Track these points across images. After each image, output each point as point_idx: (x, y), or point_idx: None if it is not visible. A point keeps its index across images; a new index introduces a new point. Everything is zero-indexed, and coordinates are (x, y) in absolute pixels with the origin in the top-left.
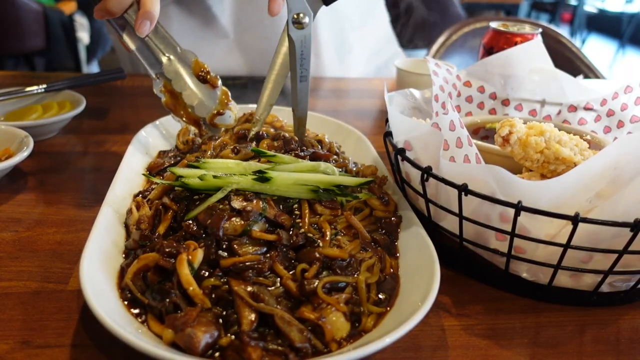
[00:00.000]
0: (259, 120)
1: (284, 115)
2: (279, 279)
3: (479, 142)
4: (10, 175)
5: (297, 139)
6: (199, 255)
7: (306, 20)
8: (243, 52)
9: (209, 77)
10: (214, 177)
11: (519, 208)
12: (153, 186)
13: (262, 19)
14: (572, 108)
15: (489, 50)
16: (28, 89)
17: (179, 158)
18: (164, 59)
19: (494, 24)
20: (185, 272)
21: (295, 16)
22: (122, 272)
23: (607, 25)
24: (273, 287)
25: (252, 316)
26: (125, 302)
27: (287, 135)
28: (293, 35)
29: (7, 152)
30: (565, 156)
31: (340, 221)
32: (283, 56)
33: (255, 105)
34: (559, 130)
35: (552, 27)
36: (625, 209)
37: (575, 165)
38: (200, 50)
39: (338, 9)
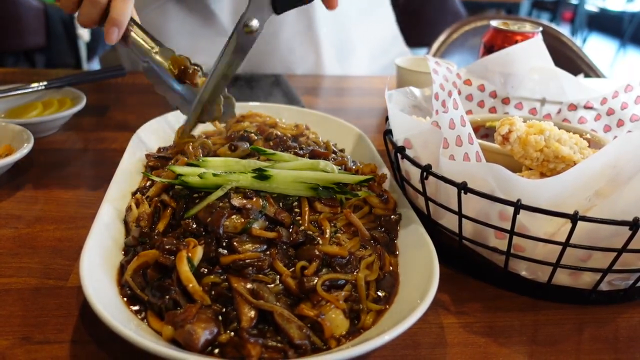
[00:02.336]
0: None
1: (279, 113)
2: (278, 276)
3: (479, 141)
4: (10, 172)
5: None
6: (199, 252)
7: (256, 26)
8: None
9: (188, 74)
10: (214, 175)
11: (518, 206)
12: (149, 182)
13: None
14: (572, 107)
15: (490, 49)
16: (28, 86)
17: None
18: (143, 64)
19: (494, 23)
20: (185, 269)
21: (247, 21)
22: (122, 269)
23: (608, 24)
24: (273, 285)
25: (252, 313)
26: (125, 299)
27: (279, 133)
28: (238, 39)
29: (7, 149)
30: (565, 155)
31: (339, 219)
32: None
33: (252, 103)
34: (559, 128)
35: (553, 25)
36: (625, 207)
37: (575, 164)
38: (199, 48)
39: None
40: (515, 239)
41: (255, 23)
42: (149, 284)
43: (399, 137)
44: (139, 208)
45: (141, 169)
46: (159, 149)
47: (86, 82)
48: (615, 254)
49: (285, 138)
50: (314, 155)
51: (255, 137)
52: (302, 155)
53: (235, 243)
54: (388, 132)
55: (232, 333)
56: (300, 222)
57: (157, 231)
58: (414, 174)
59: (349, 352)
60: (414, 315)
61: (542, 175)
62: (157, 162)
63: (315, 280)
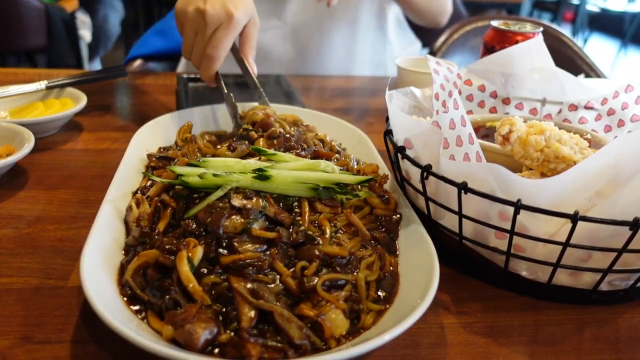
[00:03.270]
0: None
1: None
2: (278, 276)
3: (479, 141)
4: (11, 172)
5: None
6: (199, 252)
7: None
8: (291, 45)
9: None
10: (214, 175)
11: (518, 206)
12: (150, 182)
13: (320, 19)
14: (573, 107)
15: (490, 49)
16: (29, 86)
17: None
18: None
19: (495, 23)
20: (185, 269)
21: None
22: (122, 268)
23: (609, 24)
24: (273, 285)
25: (252, 313)
26: (125, 299)
27: (282, 131)
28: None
29: (8, 149)
30: (565, 155)
31: (340, 219)
32: None
33: (253, 104)
34: (559, 129)
35: (554, 26)
36: (625, 207)
37: (575, 164)
38: (264, 33)
39: (388, 40)
40: (516, 239)
41: None
42: (149, 284)
43: (399, 137)
44: (139, 208)
45: (142, 169)
46: (160, 149)
47: (87, 82)
48: (615, 254)
49: (288, 136)
50: (316, 156)
51: (256, 135)
52: (304, 156)
53: (235, 243)
54: (388, 132)
55: (232, 333)
56: (301, 222)
57: (157, 231)
58: (415, 174)
59: (349, 352)
60: (414, 315)
61: (543, 175)
62: (158, 162)
63: (316, 281)
